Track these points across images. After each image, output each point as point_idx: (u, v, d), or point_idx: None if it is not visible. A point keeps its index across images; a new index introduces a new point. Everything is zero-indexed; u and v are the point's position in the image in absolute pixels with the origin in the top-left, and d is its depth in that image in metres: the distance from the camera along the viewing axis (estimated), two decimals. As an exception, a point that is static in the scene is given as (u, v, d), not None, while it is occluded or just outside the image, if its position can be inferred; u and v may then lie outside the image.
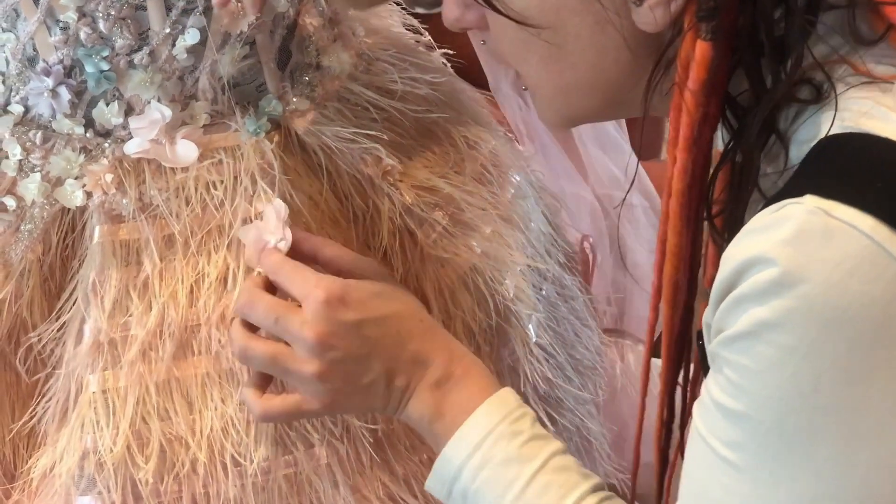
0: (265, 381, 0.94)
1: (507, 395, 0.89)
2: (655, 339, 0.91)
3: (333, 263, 0.95)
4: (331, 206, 1.03)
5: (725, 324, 0.71)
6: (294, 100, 1.03)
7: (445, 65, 1.18)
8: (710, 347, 0.74)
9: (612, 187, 1.38)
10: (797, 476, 0.69)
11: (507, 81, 1.33)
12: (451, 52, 1.19)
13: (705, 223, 0.82)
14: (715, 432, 0.72)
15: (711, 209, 0.79)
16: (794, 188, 0.69)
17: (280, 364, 0.90)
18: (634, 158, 1.40)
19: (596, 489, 0.85)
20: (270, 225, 0.96)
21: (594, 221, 1.31)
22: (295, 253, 0.95)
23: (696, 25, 0.72)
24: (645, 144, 1.76)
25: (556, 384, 1.07)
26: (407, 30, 1.18)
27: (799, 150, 0.73)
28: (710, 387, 0.73)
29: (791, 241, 0.67)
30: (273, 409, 0.92)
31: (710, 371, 0.74)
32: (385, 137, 1.04)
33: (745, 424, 0.70)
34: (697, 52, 0.73)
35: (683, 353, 0.88)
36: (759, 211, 0.71)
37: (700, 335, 0.79)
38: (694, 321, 0.86)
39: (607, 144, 1.38)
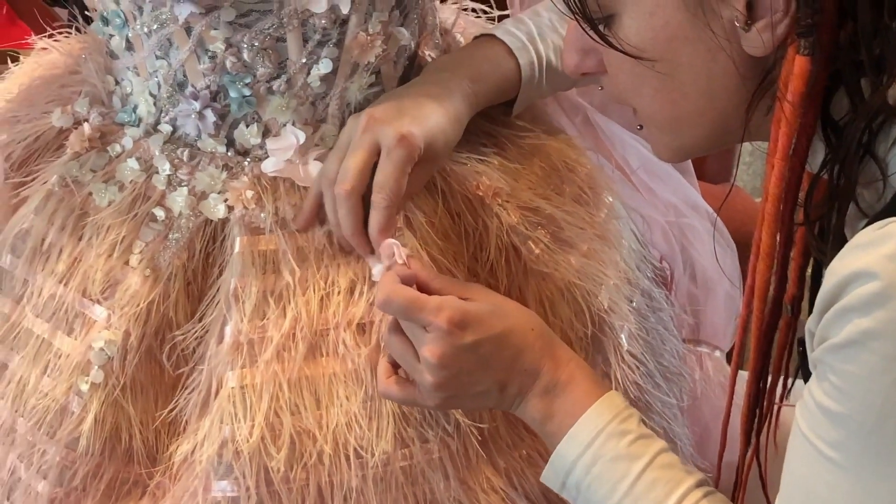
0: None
1: (614, 396, 0.96)
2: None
3: (444, 293, 0.99)
4: (444, 223, 1.09)
5: (830, 333, 0.76)
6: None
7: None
8: (814, 354, 0.79)
9: (670, 214, 1.43)
10: None
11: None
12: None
13: (800, 228, 0.88)
14: (818, 433, 0.77)
15: (810, 216, 0.84)
16: None
17: (407, 364, 0.99)
18: (688, 184, 1.48)
19: (700, 484, 0.91)
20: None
21: (667, 240, 1.38)
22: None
23: (796, 41, 0.78)
24: (716, 170, 1.84)
25: (645, 389, 1.13)
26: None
27: None
28: (814, 391, 0.78)
29: (893, 256, 0.71)
30: (391, 392, 1.00)
31: (813, 376, 0.79)
32: (494, 161, 1.11)
33: (849, 426, 0.75)
34: (796, 66, 0.78)
35: (771, 344, 0.93)
36: (860, 227, 0.76)
37: (802, 342, 0.85)
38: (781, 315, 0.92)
39: (659, 172, 1.43)
